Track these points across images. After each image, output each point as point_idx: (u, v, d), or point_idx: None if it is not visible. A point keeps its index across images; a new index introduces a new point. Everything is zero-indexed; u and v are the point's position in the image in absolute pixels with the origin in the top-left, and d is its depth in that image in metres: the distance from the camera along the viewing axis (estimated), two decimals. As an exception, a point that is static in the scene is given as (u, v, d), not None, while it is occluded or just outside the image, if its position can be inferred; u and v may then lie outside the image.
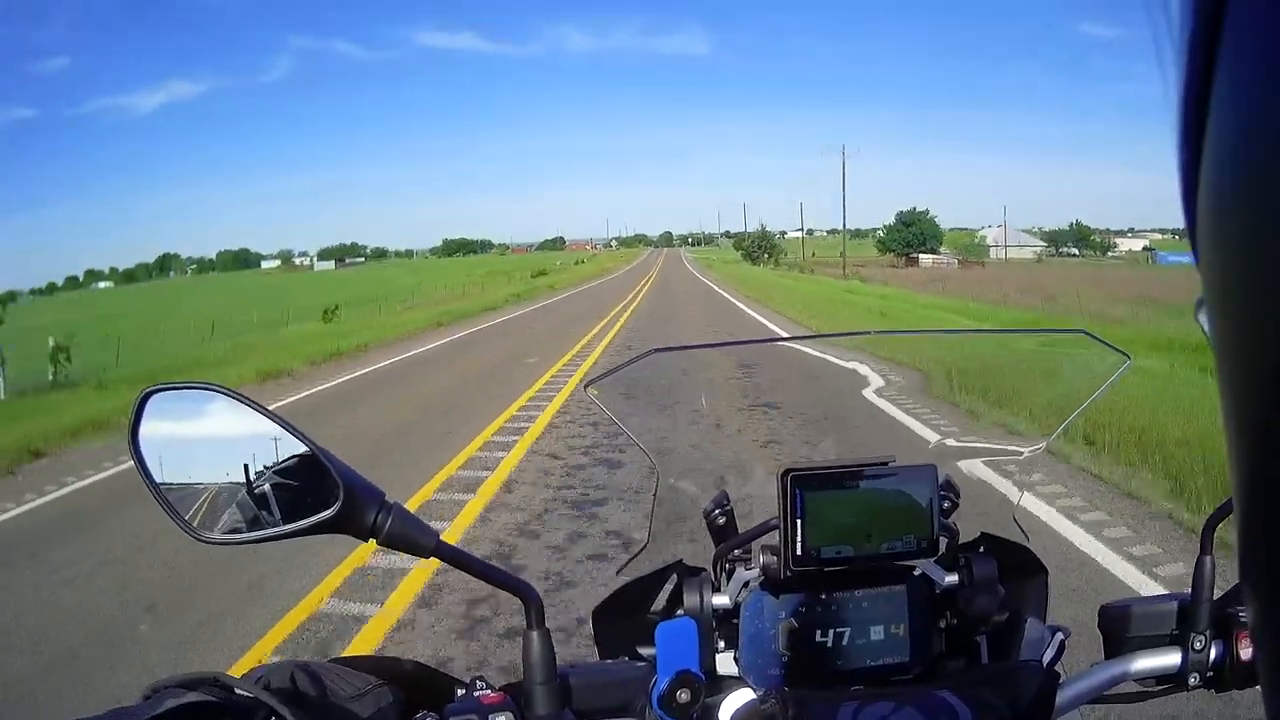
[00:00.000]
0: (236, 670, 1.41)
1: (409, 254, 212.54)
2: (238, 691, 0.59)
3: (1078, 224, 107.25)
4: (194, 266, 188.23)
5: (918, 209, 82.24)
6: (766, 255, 73.86)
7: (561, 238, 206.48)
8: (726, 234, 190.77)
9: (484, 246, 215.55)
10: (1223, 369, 0.22)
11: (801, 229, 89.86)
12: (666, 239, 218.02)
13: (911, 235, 79.91)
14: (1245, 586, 0.23)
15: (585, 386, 0.88)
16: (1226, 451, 0.22)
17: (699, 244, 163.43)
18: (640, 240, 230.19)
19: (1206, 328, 0.22)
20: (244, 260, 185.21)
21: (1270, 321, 0.19)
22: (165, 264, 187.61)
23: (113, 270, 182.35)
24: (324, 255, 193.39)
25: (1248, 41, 0.19)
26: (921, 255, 76.51)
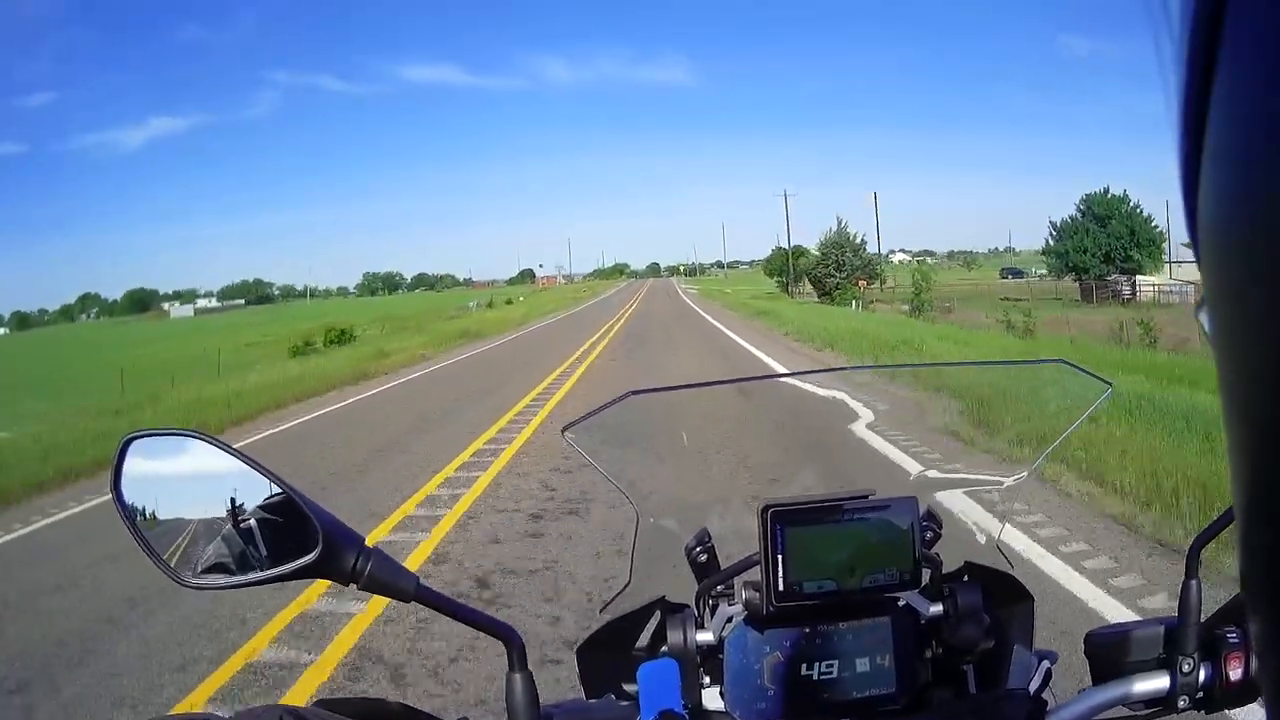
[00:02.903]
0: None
1: (326, 293, 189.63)
2: None
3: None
4: (95, 310, 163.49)
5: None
6: (836, 287, 40.19)
7: (531, 270, 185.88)
8: (718, 264, 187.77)
9: (447, 281, 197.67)
10: (1223, 369, 0.21)
11: (878, 248, 50.88)
12: (654, 270, 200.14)
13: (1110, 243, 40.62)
14: (1246, 591, 0.23)
15: (563, 431, 0.89)
16: (1227, 453, 0.22)
17: (693, 274, 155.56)
18: (621, 271, 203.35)
19: (1206, 328, 0.22)
20: (141, 302, 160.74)
21: (1270, 322, 0.19)
22: (85, 305, 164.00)
23: (15, 314, 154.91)
24: (226, 295, 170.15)
25: (1248, 42, 0.19)
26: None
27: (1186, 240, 0.22)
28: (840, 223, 44.44)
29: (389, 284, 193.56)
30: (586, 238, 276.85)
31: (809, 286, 46.58)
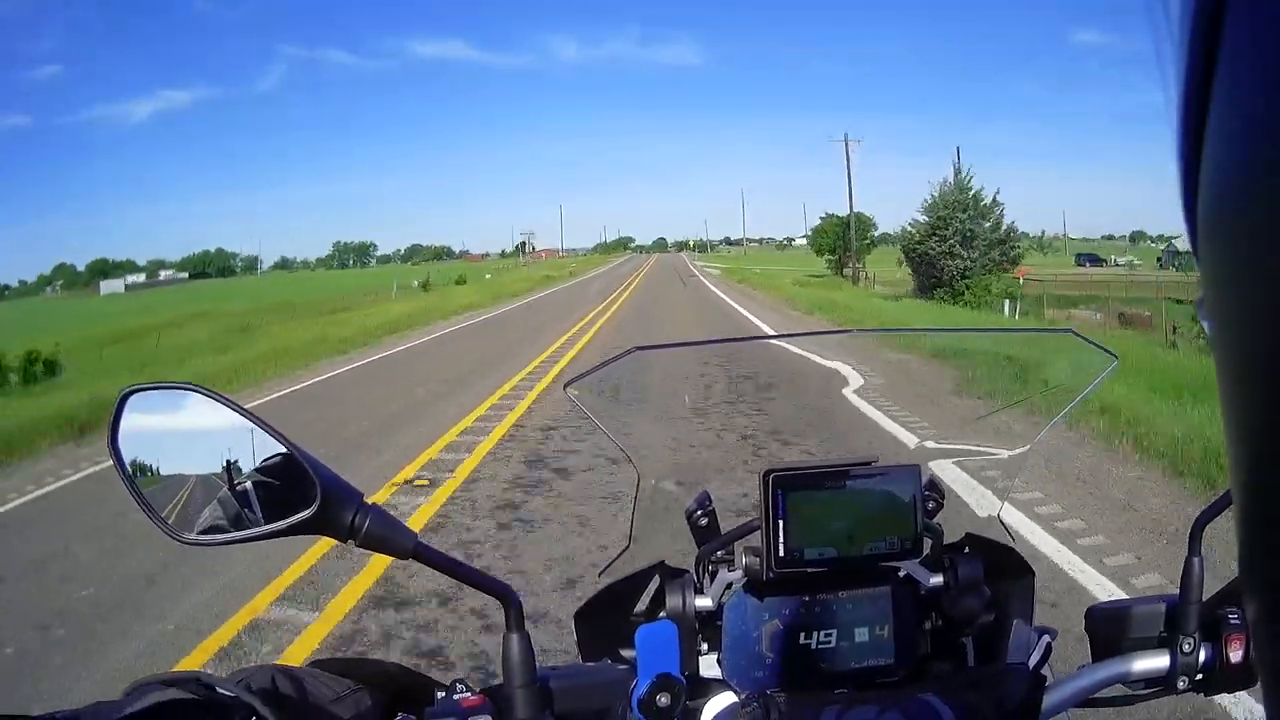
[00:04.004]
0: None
1: (302, 264, 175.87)
2: (219, 690, 0.59)
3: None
4: (61, 281, 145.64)
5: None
6: (962, 275, 24.27)
7: (524, 243, 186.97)
8: (726, 240, 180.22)
9: (446, 254, 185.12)
10: (1223, 368, 0.22)
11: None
12: (660, 245, 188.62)
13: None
14: (1245, 585, 0.23)
15: (565, 387, 0.88)
16: (1226, 450, 0.22)
17: (703, 250, 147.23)
18: (624, 246, 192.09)
19: (1206, 327, 0.22)
20: (104, 273, 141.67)
21: (1270, 321, 0.19)
22: (58, 276, 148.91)
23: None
24: (186, 266, 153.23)
25: (1248, 42, 0.19)
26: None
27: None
28: (959, 171, 25.62)
29: (360, 255, 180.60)
30: (589, 213, 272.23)
31: (872, 267, 36.47)
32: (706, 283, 36.59)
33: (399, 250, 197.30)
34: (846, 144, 36.90)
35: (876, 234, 45.32)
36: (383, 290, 38.31)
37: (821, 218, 44.01)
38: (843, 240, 39.75)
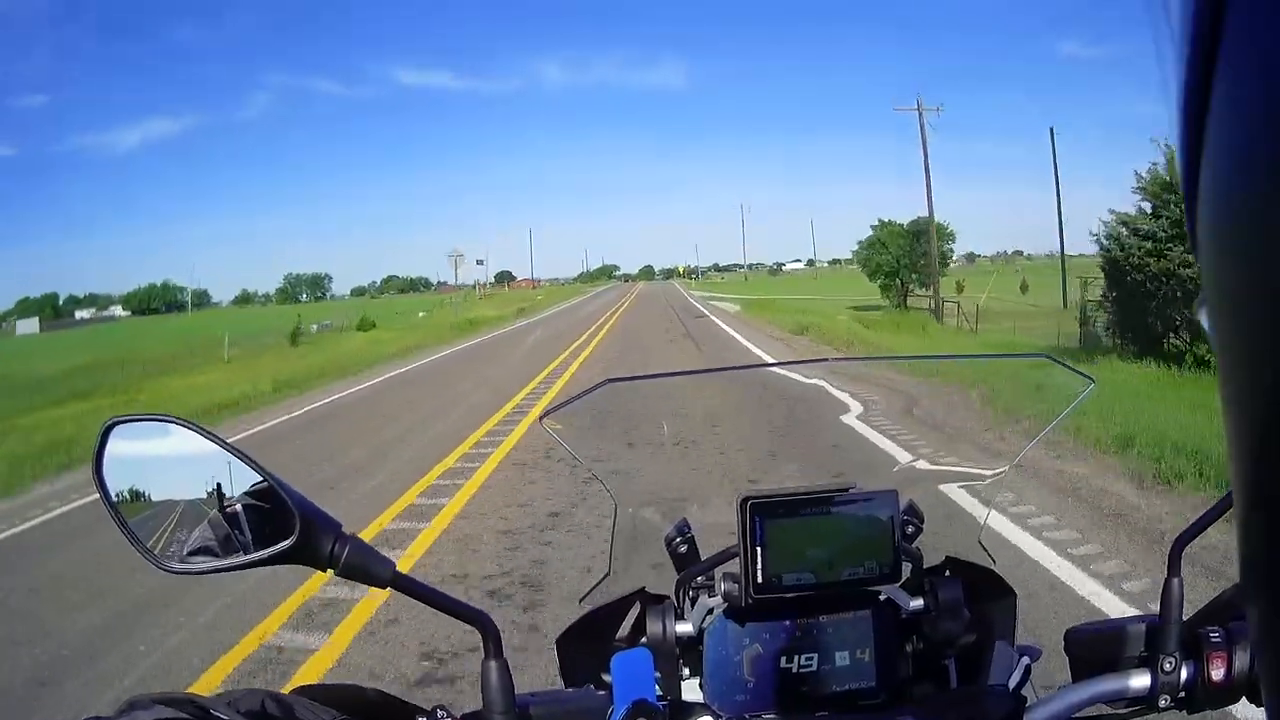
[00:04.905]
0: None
1: (263, 297, 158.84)
2: (212, 712, 0.59)
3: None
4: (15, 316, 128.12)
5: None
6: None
7: (509, 273, 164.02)
8: (716, 267, 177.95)
9: (423, 285, 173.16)
10: (1223, 368, 0.22)
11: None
12: (647, 273, 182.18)
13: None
14: (1245, 587, 0.23)
15: (541, 419, 0.89)
16: (1227, 451, 0.22)
17: (693, 276, 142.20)
18: (608, 274, 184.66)
19: (1207, 327, 0.22)
20: (54, 309, 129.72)
21: (1270, 321, 0.19)
22: (22, 310, 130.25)
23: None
24: (131, 301, 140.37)
25: (1248, 42, 0.19)
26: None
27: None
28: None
29: (315, 287, 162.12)
30: (574, 241, 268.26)
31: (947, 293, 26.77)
32: (738, 337, 18.49)
33: (374, 282, 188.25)
34: (921, 113, 25.46)
35: (954, 249, 33.70)
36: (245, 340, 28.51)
37: (874, 226, 31.50)
38: (909, 257, 29.40)
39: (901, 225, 30.64)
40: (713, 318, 26.37)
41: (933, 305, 25.28)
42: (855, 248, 33.56)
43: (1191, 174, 0.21)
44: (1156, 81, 0.22)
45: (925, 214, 27.15)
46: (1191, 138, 0.21)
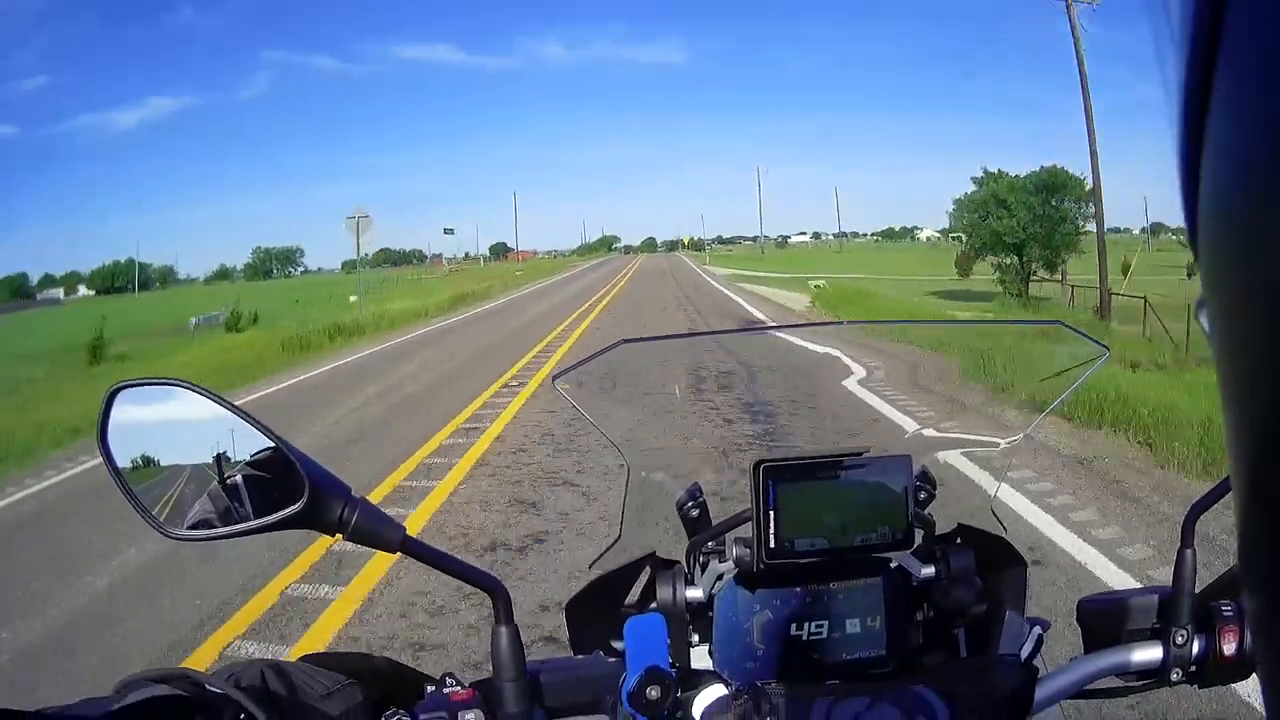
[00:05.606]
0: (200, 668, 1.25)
1: (228, 274, 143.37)
2: (208, 687, 0.59)
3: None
4: None
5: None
6: None
7: (504, 244, 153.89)
8: (719, 239, 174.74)
9: (417, 258, 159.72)
10: (1223, 368, 0.22)
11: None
12: (649, 245, 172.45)
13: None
14: (1244, 578, 0.23)
15: (553, 380, 0.88)
16: (1226, 448, 0.22)
17: (699, 249, 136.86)
18: (608, 246, 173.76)
19: (1206, 327, 0.22)
20: (23, 289, 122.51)
21: (1270, 321, 0.19)
22: None
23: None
24: (96, 279, 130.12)
25: (1248, 41, 0.19)
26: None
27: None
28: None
29: (287, 262, 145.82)
30: (574, 212, 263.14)
31: (1078, 274, 20.07)
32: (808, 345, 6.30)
33: (365, 255, 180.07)
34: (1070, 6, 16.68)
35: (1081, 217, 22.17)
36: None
37: (977, 179, 22.98)
38: (1037, 224, 20.87)
39: (1014, 177, 22.01)
40: (743, 305, 18.01)
41: (1095, 297, 16.37)
42: (951, 208, 24.86)
43: (1191, 174, 0.21)
44: (1157, 78, 0.22)
45: (1035, 168, 19.54)
46: (1191, 138, 0.21)
